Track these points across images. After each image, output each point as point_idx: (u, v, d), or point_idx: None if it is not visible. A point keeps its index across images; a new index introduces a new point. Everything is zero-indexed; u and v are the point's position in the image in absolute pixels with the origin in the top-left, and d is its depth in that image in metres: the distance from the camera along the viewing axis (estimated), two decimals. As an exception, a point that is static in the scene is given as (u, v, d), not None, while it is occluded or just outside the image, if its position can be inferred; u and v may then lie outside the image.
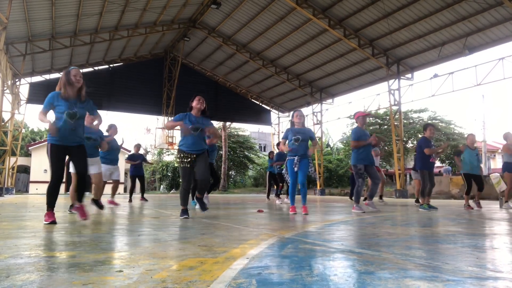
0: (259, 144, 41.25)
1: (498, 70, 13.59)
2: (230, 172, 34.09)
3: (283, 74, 20.74)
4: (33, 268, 1.83)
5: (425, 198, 6.96)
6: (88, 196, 6.04)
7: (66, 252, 2.28)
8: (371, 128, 27.70)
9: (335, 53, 17.60)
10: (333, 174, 30.16)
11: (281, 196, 10.66)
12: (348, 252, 2.39)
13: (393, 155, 17.76)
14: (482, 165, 7.71)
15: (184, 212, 4.85)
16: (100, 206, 6.01)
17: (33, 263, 1.96)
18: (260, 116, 25.29)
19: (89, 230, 3.52)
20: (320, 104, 21.64)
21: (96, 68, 21.02)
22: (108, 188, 7.89)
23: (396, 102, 16.84)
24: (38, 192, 22.78)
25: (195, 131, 4.84)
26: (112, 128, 7.09)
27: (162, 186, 33.62)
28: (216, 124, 27.32)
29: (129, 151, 20.43)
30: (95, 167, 5.77)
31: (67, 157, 4.19)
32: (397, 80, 16.57)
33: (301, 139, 5.82)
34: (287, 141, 5.97)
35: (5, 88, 15.18)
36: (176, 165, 33.81)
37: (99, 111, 4.67)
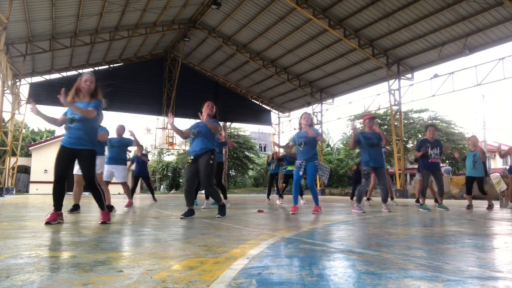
0: (259, 144, 41.26)
1: (498, 70, 13.60)
2: (230, 172, 34.11)
3: (283, 74, 20.74)
4: (33, 268, 1.83)
5: (424, 198, 7.06)
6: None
7: (66, 252, 2.28)
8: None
9: (335, 53, 17.60)
10: (333, 174, 30.18)
11: (283, 196, 10.73)
12: (348, 252, 2.38)
13: (393, 155, 17.76)
14: (478, 166, 7.67)
15: (187, 212, 4.91)
16: (109, 208, 5.78)
17: (33, 263, 1.96)
18: (260, 116, 25.30)
19: (89, 230, 3.52)
20: (320, 104, 21.64)
21: (96, 68, 21.02)
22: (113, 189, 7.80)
23: (396, 102, 16.84)
24: (38, 192, 22.78)
25: (193, 136, 5.07)
26: (118, 128, 7.07)
27: (162, 186, 33.63)
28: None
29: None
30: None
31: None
32: (397, 80, 16.57)
33: (305, 143, 5.94)
34: (294, 144, 6.23)
35: (5, 88, 15.19)
36: (176, 165, 33.91)
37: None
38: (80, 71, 20.46)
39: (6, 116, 16.81)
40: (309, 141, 5.96)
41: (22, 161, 24.35)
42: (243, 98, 24.46)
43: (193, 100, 22.99)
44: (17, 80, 17.64)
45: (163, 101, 22.59)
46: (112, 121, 54.09)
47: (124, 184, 7.47)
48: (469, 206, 7.67)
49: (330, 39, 16.62)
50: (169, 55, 22.51)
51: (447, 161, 27.42)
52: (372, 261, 2.05)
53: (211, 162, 4.94)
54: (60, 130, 41.81)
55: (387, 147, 9.85)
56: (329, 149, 34.50)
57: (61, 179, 3.99)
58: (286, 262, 2.04)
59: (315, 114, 21.92)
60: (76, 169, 5.49)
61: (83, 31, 16.56)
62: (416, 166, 9.42)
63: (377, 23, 14.58)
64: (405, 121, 26.69)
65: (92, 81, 4.13)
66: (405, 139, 24.56)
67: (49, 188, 21.30)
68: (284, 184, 10.70)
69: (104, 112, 5.40)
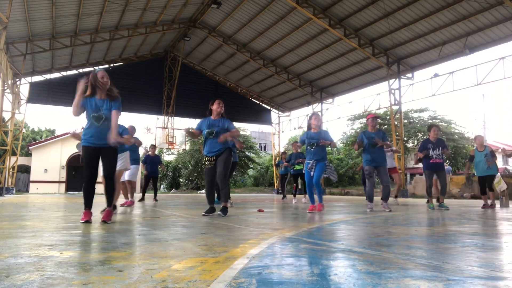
0: (260, 143, 41.28)
1: (499, 70, 13.59)
2: (230, 172, 34.03)
3: (283, 73, 20.74)
4: (33, 268, 1.83)
5: (431, 197, 7.23)
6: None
7: (66, 252, 2.28)
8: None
9: (335, 52, 17.59)
10: (333, 173, 30.12)
11: (296, 196, 11.02)
12: (349, 251, 2.38)
13: (393, 154, 17.73)
14: (491, 164, 7.76)
15: (208, 210, 5.08)
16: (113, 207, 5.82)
17: (33, 262, 1.96)
18: (260, 116, 25.30)
19: (89, 230, 3.52)
20: (320, 103, 21.63)
21: (96, 67, 20.99)
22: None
23: (396, 102, 16.83)
24: (38, 192, 22.79)
25: (210, 136, 5.05)
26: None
27: (162, 186, 33.64)
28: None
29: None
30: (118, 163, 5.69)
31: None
32: (397, 79, 16.56)
33: (316, 144, 6.06)
34: (303, 145, 6.32)
35: (5, 88, 15.18)
36: (176, 164, 33.92)
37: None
38: (80, 70, 20.48)
39: (6, 116, 16.82)
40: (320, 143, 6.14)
41: (22, 160, 24.35)
42: (243, 97, 24.45)
43: (193, 100, 23.01)
44: (17, 80, 17.63)
45: (163, 100, 22.59)
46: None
47: (129, 183, 7.60)
48: (485, 205, 7.74)
49: (330, 39, 16.61)
50: (169, 55, 22.51)
51: (447, 161, 27.42)
52: (372, 261, 2.05)
53: (230, 159, 5.12)
54: (60, 130, 41.77)
55: (393, 148, 9.93)
56: (329, 148, 34.49)
57: (93, 180, 4.11)
58: (287, 261, 2.04)
59: (315, 113, 21.90)
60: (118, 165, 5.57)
61: (83, 31, 16.56)
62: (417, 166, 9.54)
63: (377, 22, 14.57)
64: (405, 121, 26.69)
65: (108, 77, 4.15)
66: (405, 138, 24.55)
67: (49, 188, 21.29)
68: (295, 184, 10.88)
69: None
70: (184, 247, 2.50)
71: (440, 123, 28.07)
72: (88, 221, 4.00)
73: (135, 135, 7.16)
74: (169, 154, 36.44)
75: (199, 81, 23.35)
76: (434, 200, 7.41)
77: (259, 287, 1.51)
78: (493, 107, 67.63)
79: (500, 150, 12.93)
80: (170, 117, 22.93)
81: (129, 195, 7.94)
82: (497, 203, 8.27)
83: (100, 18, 15.65)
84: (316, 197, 6.24)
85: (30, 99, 19.01)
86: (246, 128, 36.03)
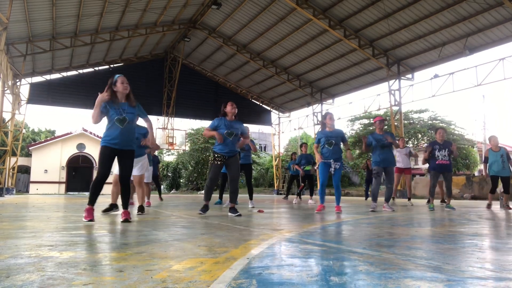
0: (260, 144, 41.24)
1: (499, 71, 13.58)
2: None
3: (283, 74, 20.74)
4: (33, 268, 1.83)
5: (432, 198, 7.31)
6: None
7: (66, 253, 2.28)
8: (371, 128, 27.71)
9: (335, 53, 17.60)
10: (334, 174, 30.11)
11: (301, 196, 11.20)
12: (349, 252, 2.38)
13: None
14: (506, 165, 7.80)
15: (204, 208, 5.16)
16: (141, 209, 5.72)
17: (33, 263, 1.96)
18: (260, 117, 25.30)
19: (89, 230, 3.52)
20: (320, 104, 21.63)
21: (96, 68, 21.02)
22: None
23: (396, 103, 16.83)
24: (38, 192, 22.78)
25: (230, 136, 5.17)
26: None
27: (162, 186, 33.61)
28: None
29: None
30: (136, 169, 5.68)
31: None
32: (397, 80, 16.56)
33: (335, 143, 6.14)
34: (320, 145, 6.30)
35: (5, 89, 15.19)
36: (176, 165, 33.90)
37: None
38: (81, 71, 20.50)
39: (7, 116, 16.82)
40: (338, 142, 6.24)
41: (22, 161, 24.35)
42: (243, 98, 24.45)
43: (193, 100, 23.02)
44: (17, 80, 17.63)
45: (163, 101, 22.59)
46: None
47: (146, 185, 7.78)
48: (489, 206, 7.77)
49: (330, 40, 16.62)
50: (169, 55, 22.52)
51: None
52: (372, 261, 2.05)
53: (239, 163, 5.33)
54: (60, 131, 41.80)
55: (412, 152, 10.16)
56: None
57: (105, 178, 4.21)
58: (287, 262, 2.04)
59: (315, 114, 21.93)
60: (136, 170, 5.63)
61: (83, 31, 16.57)
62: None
63: (377, 23, 14.57)
64: (405, 122, 26.68)
65: (127, 83, 4.30)
66: (405, 139, 24.49)
67: (49, 189, 21.25)
68: (302, 184, 11.03)
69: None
70: (184, 248, 2.49)
71: (440, 124, 28.08)
72: (91, 220, 4.10)
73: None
74: (169, 155, 36.43)
75: (199, 81, 23.37)
76: (439, 201, 7.49)
77: (259, 288, 1.51)
78: (493, 108, 67.66)
79: None
80: (170, 118, 22.94)
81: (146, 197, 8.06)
82: (497, 203, 8.27)
83: (100, 19, 15.66)
84: (337, 198, 6.36)
85: (30, 100, 19.01)
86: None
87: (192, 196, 18.95)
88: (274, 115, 25.52)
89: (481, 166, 27.38)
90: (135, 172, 5.70)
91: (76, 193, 22.83)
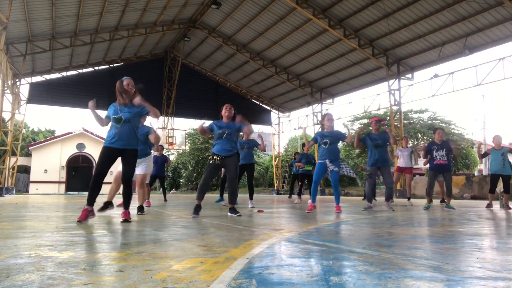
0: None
1: (498, 70, 13.59)
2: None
3: (283, 74, 20.74)
4: (33, 268, 1.83)
5: (430, 198, 7.34)
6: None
7: (66, 252, 2.28)
8: (370, 128, 27.70)
9: (335, 53, 17.60)
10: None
11: (301, 196, 11.20)
12: (348, 252, 2.38)
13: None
14: (507, 164, 7.84)
15: (196, 209, 5.10)
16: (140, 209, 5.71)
17: (33, 263, 1.96)
18: (260, 116, 25.29)
19: (89, 230, 3.52)
20: (320, 104, 21.63)
21: (96, 68, 21.02)
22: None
23: (396, 102, 16.83)
24: (38, 192, 22.77)
25: (222, 136, 5.18)
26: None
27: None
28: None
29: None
30: (140, 168, 5.68)
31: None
32: (397, 80, 16.56)
33: (329, 142, 6.10)
34: (315, 143, 6.36)
35: (5, 88, 15.18)
36: (176, 164, 33.90)
37: (100, 111, 4.65)
38: (80, 70, 20.49)
39: (6, 116, 16.81)
40: (334, 142, 6.20)
41: (22, 161, 24.34)
42: (243, 98, 24.46)
43: (193, 100, 23.02)
44: (17, 80, 17.63)
45: (163, 101, 22.59)
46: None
47: (147, 185, 7.93)
48: (489, 205, 7.77)
49: (330, 39, 16.61)
50: (169, 55, 22.51)
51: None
52: (372, 261, 2.05)
53: (238, 164, 5.29)
54: (60, 131, 41.80)
55: (416, 152, 10.18)
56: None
57: (101, 176, 4.20)
58: (286, 262, 2.04)
59: (315, 114, 21.92)
60: (139, 170, 5.64)
61: (83, 31, 16.56)
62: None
63: (377, 23, 14.57)
64: (405, 122, 26.66)
65: (133, 85, 4.43)
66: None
67: (49, 188, 21.24)
68: (300, 183, 11.19)
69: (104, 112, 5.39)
70: (184, 248, 2.49)
71: (440, 124, 28.07)
72: (80, 222, 4.01)
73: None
74: (169, 155, 36.43)
75: (199, 81, 23.36)
76: (439, 201, 7.51)
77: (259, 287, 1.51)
78: (493, 108, 67.67)
79: None
80: (170, 118, 22.94)
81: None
82: (497, 204, 8.28)
83: (100, 18, 15.65)
84: (337, 198, 6.34)
85: (30, 100, 19.00)
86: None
87: (192, 196, 18.95)
88: (274, 114, 25.54)
89: (481, 166, 27.43)
90: (138, 171, 5.70)
91: (76, 193, 22.81)
